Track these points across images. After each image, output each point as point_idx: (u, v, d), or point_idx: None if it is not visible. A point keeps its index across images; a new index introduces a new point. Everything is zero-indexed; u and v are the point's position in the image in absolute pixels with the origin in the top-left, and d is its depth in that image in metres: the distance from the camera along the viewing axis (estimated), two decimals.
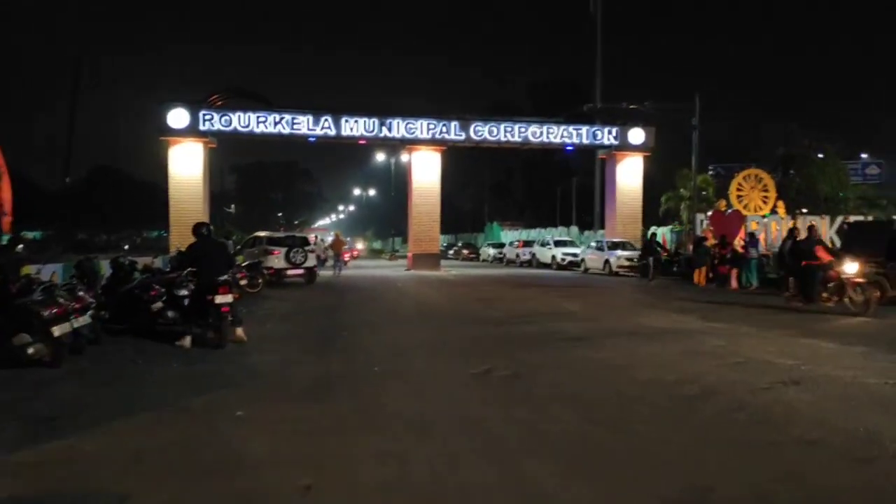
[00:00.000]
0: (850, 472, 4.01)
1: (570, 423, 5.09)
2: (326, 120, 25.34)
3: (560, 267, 28.80)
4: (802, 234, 14.02)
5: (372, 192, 76.69)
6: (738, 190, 24.12)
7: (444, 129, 26.42)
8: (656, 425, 4.97)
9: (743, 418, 5.12)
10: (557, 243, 31.04)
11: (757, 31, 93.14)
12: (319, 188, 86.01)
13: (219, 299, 8.44)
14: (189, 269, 9.54)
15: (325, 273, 23.61)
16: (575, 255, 28.40)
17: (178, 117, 24.24)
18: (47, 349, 7.10)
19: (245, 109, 24.89)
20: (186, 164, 24.80)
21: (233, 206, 66.23)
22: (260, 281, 16.03)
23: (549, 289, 18.54)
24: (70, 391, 6.24)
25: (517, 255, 34.36)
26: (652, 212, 29.81)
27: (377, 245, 72.40)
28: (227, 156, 58.07)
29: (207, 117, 24.42)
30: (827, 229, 21.54)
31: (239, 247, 20.31)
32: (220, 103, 25.14)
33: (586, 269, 26.28)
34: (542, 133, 27.26)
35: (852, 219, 21.71)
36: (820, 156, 28.42)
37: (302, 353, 8.22)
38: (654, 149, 28.33)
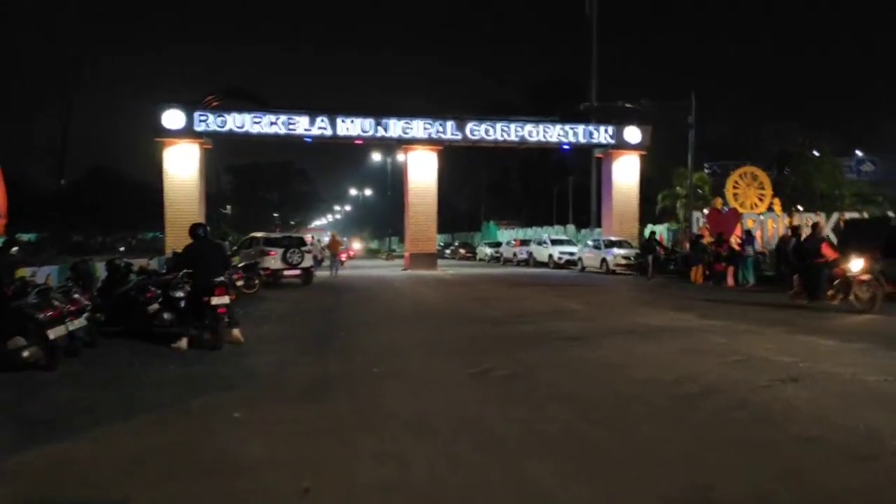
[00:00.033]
0: (850, 469, 3.99)
1: (570, 422, 5.07)
2: (322, 120, 25.30)
3: (557, 266, 28.82)
4: (806, 232, 14.02)
5: (368, 192, 76.63)
6: (735, 188, 24.14)
7: (441, 129, 26.41)
8: (656, 424, 4.95)
9: (742, 416, 5.10)
10: (554, 242, 31.06)
11: (756, 31, 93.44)
12: (315, 188, 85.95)
13: (215, 301, 8.40)
14: (185, 270, 9.50)
15: (321, 273, 23.58)
16: (572, 253, 28.42)
17: (173, 118, 24.17)
18: (42, 352, 7.06)
19: (240, 110, 24.84)
20: (182, 165, 24.73)
21: (228, 206, 66.09)
22: (256, 282, 15.98)
23: (546, 288, 18.53)
24: (66, 394, 6.20)
25: (514, 255, 34.35)
26: (649, 210, 29.83)
27: (374, 245, 72.31)
28: (223, 156, 58.06)
29: (203, 118, 24.36)
30: (823, 227, 21.54)
31: (235, 248, 20.26)
32: (215, 104, 25.08)
33: (583, 268, 26.29)
34: (538, 132, 27.26)
35: (848, 216, 21.74)
36: (815, 153, 28.48)
37: (299, 354, 8.18)
38: (650, 147, 28.37)
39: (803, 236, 13.92)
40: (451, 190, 51.81)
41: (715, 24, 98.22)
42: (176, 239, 22.46)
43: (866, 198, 28.71)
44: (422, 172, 27.14)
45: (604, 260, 24.82)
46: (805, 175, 27.62)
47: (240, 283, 14.57)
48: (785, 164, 28.52)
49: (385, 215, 62.78)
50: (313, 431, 4.89)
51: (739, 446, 4.41)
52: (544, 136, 27.39)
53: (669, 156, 29.73)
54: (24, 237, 52.80)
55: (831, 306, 11.89)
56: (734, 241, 19.67)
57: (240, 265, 15.86)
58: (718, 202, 24.16)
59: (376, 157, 52.97)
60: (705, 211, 23.19)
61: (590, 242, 27.54)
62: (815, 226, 14.13)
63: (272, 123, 24.92)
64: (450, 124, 26.47)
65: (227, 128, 24.60)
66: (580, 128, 27.61)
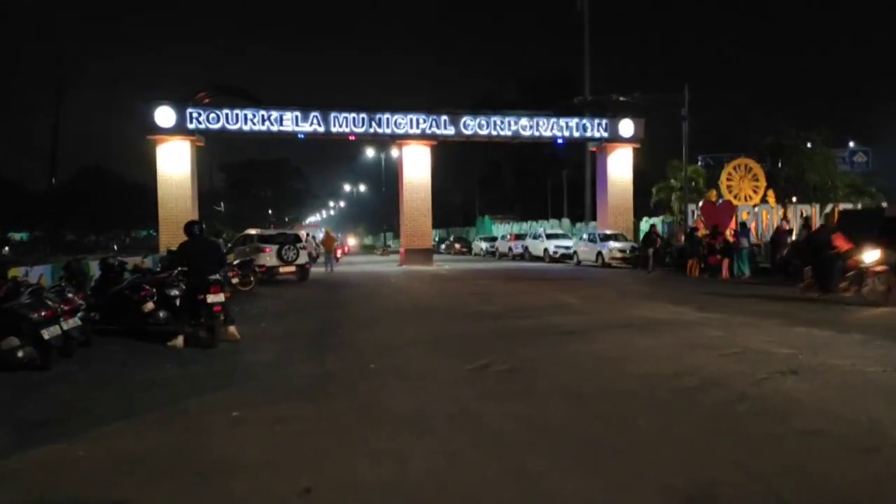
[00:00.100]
0: (852, 462, 3.98)
1: (570, 417, 5.05)
2: (315, 116, 25.16)
3: (552, 260, 28.84)
4: (791, 225, 13.92)
5: (362, 188, 76.46)
6: (729, 180, 24.18)
7: (434, 124, 26.33)
8: (656, 418, 4.94)
9: (743, 409, 5.09)
10: (549, 236, 31.07)
11: (756, 29, 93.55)
12: (309, 185, 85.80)
13: (210, 298, 8.36)
14: (180, 268, 9.44)
15: (317, 270, 23.50)
16: (567, 247, 28.43)
17: (165, 115, 24.00)
18: (37, 352, 7.01)
19: (233, 107, 24.67)
20: (174, 163, 24.58)
21: (222, 204, 65.87)
22: (252, 279, 15.93)
23: (542, 282, 18.53)
24: (62, 394, 6.16)
25: (509, 249, 34.36)
26: (643, 203, 29.85)
27: (369, 241, 72.22)
28: (217, 154, 57.80)
29: (195, 115, 24.20)
30: (817, 218, 21.63)
31: (230, 245, 20.16)
32: (207, 101, 24.93)
33: (579, 262, 26.31)
34: (532, 126, 27.21)
35: (842, 207, 21.81)
36: (808, 145, 28.52)
37: (296, 352, 8.14)
38: (644, 140, 28.37)
39: (794, 229, 13.74)
40: (446, 185, 51.75)
41: (709, 18, 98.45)
42: (169, 237, 22.36)
43: (859, 189, 28.82)
44: (416, 167, 27.07)
45: (599, 253, 24.84)
46: (798, 167, 27.67)
47: (235, 280, 14.52)
48: (778, 156, 28.56)
49: (379, 211, 62.63)
50: (313, 430, 4.85)
51: (741, 439, 4.40)
52: (538, 131, 27.33)
53: (663, 148, 29.78)
54: (17, 236, 52.62)
55: (844, 299, 11.61)
56: (728, 233, 19.71)
57: (235, 262, 15.79)
58: (713, 194, 24.18)
59: (370, 152, 52.78)
60: (700, 203, 23.20)
61: (585, 236, 27.54)
62: (827, 216, 13.79)
63: (265, 120, 24.77)
64: (443, 119, 26.38)
65: (219, 125, 24.44)
66: (574, 121, 27.57)
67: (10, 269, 10.48)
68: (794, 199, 26.40)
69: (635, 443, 4.41)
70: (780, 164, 28.23)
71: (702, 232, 20.39)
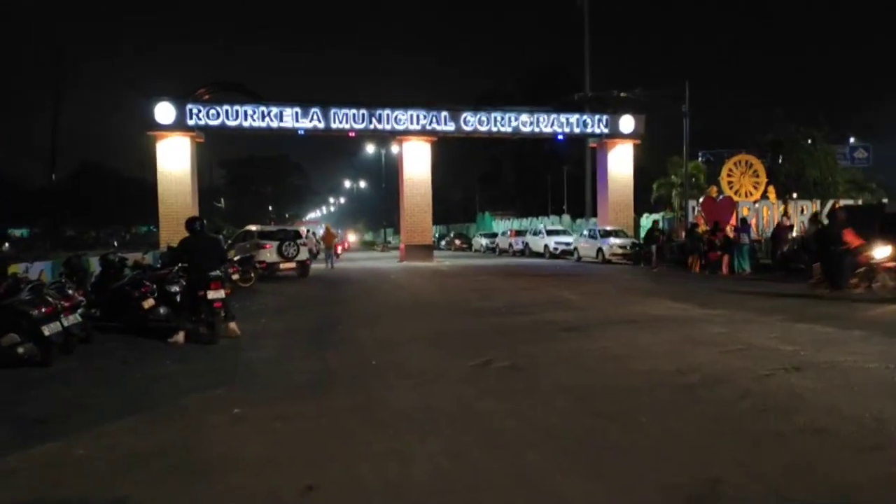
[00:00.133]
0: (858, 461, 3.95)
1: (573, 414, 5.03)
2: (315, 112, 25.10)
3: (553, 256, 28.82)
4: (787, 222, 13.77)
5: (363, 185, 76.41)
6: (729, 176, 24.12)
7: (435, 120, 26.26)
8: (659, 415, 4.91)
9: (746, 407, 5.07)
10: (550, 232, 31.05)
11: (756, 29, 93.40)
12: (309, 181, 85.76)
13: (211, 295, 8.34)
14: (180, 264, 9.42)
15: (317, 266, 23.48)
16: (568, 243, 28.41)
17: (164, 112, 23.94)
18: (37, 349, 7.00)
19: (233, 103, 24.62)
20: (174, 159, 24.53)
21: (222, 200, 65.86)
22: (252, 275, 15.91)
23: (543, 278, 18.51)
24: (62, 391, 6.14)
25: (510, 245, 34.34)
26: (644, 199, 29.81)
27: (369, 237, 72.21)
28: (217, 150, 57.76)
29: (195, 111, 24.14)
30: (808, 214, 21.57)
31: (230, 241, 20.14)
32: (207, 97, 24.86)
33: (579, 258, 26.30)
34: (532, 122, 27.14)
35: (842, 202, 21.77)
36: (808, 141, 28.49)
37: (297, 348, 8.12)
38: (644, 136, 28.31)
39: (795, 225, 13.56)
40: (446, 181, 51.70)
41: (710, 18, 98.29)
42: (170, 233, 22.34)
43: (860, 185, 28.81)
44: (416, 164, 27.02)
45: (600, 249, 24.81)
46: (798, 163, 27.65)
47: (235, 276, 14.51)
48: (778, 152, 28.53)
49: (379, 207, 62.60)
50: (314, 427, 4.83)
51: (743, 437, 4.37)
52: (538, 127, 27.26)
53: (664, 144, 29.75)
54: (17, 233, 52.60)
55: (854, 295, 11.49)
56: (729, 229, 19.68)
57: (235, 258, 15.78)
58: (713, 190, 24.14)
59: (370, 148, 52.72)
60: (700, 199, 23.17)
61: (585, 232, 27.51)
62: (835, 211, 13.55)
63: (265, 116, 24.72)
64: (444, 115, 26.32)
65: (219, 121, 24.38)
66: (574, 117, 27.50)
67: (10, 265, 10.46)
68: (794, 195, 26.38)
69: (637, 441, 4.39)
70: (780, 160, 28.21)
71: (702, 228, 20.36)
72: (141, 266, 11.48)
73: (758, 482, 3.63)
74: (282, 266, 18.74)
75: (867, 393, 5.35)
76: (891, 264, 11.00)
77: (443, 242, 46.43)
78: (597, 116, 27.64)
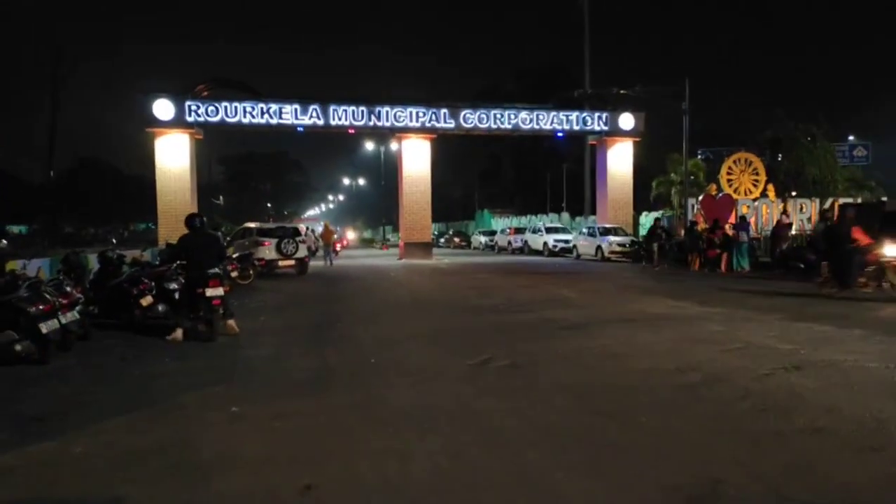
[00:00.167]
0: (858, 461, 3.94)
1: (573, 414, 5.01)
2: (314, 109, 25.06)
3: (552, 253, 28.82)
4: (783, 220, 13.73)
5: (362, 182, 76.36)
6: (729, 174, 24.12)
7: (434, 117, 26.22)
8: (659, 414, 4.90)
9: (745, 406, 5.06)
10: (549, 230, 31.06)
11: (756, 29, 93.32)
12: (308, 178, 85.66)
13: (209, 292, 8.33)
14: (179, 262, 9.39)
15: (316, 263, 23.46)
16: (567, 241, 28.41)
17: (164, 108, 23.89)
18: (35, 346, 6.98)
19: (232, 100, 24.57)
20: (173, 156, 24.48)
21: (221, 197, 65.79)
22: (251, 272, 15.90)
23: (542, 276, 18.49)
24: (59, 389, 6.12)
25: (509, 243, 34.33)
26: (643, 197, 29.78)
27: (368, 234, 72.16)
28: (216, 146, 57.67)
29: (194, 108, 24.09)
30: (817, 212, 21.57)
31: (229, 238, 20.12)
32: (206, 94, 24.81)
33: (578, 256, 26.30)
34: (532, 120, 27.11)
35: (842, 201, 21.76)
36: (808, 138, 28.46)
37: (296, 346, 8.11)
38: (644, 134, 28.28)
39: (790, 223, 13.47)
40: (446, 178, 51.64)
41: (710, 18, 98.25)
42: (168, 229, 22.31)
43: (859, 183, 28.78)
44: (415, 161, 26.98)
45: (599, 247, 24.81)
46: (798, 160, 27.62)
47: (234, 273, 14.49)
48: (778, 150, 28.50)
49: (379, 204, 62.57)
50: (313, 425, 4.82)
51: (743, 437, 4.36)
52: (538, 124, 27.24)
53: (663, 142, 29.71)
54: (15, 229, 52.49)
55: (861, 294, 11.43)
56: (728, 227, 19.67)
57: (234, 256, 15.76)
58: (713, 188, 24.13)
59: (369, 145, 52.67)
60: (700, 197, 23.15)
61: (584, 230, 27.51)
62: (844, 209, 13.40)
63: (264, 113, 24.67)
64: (443, 112, 26.28)
65: (218, 117, 24.34)
66: (574, 115, 27.47)
67: (7, 262, 10.42)
68: (793, 192, 26.36)
69: (637, 440, 4.38)
70: (780, 158, 28.18)
71: (701, 226, 20.34)
72: (139, 263, 11.45)
73: (758, 482, 3.62)
74: (280, 263, 18.73)
75: (867, 392, 5.34)
76: None
77: (442, 240, 46.42)
78: (596, 114, 27.61)
